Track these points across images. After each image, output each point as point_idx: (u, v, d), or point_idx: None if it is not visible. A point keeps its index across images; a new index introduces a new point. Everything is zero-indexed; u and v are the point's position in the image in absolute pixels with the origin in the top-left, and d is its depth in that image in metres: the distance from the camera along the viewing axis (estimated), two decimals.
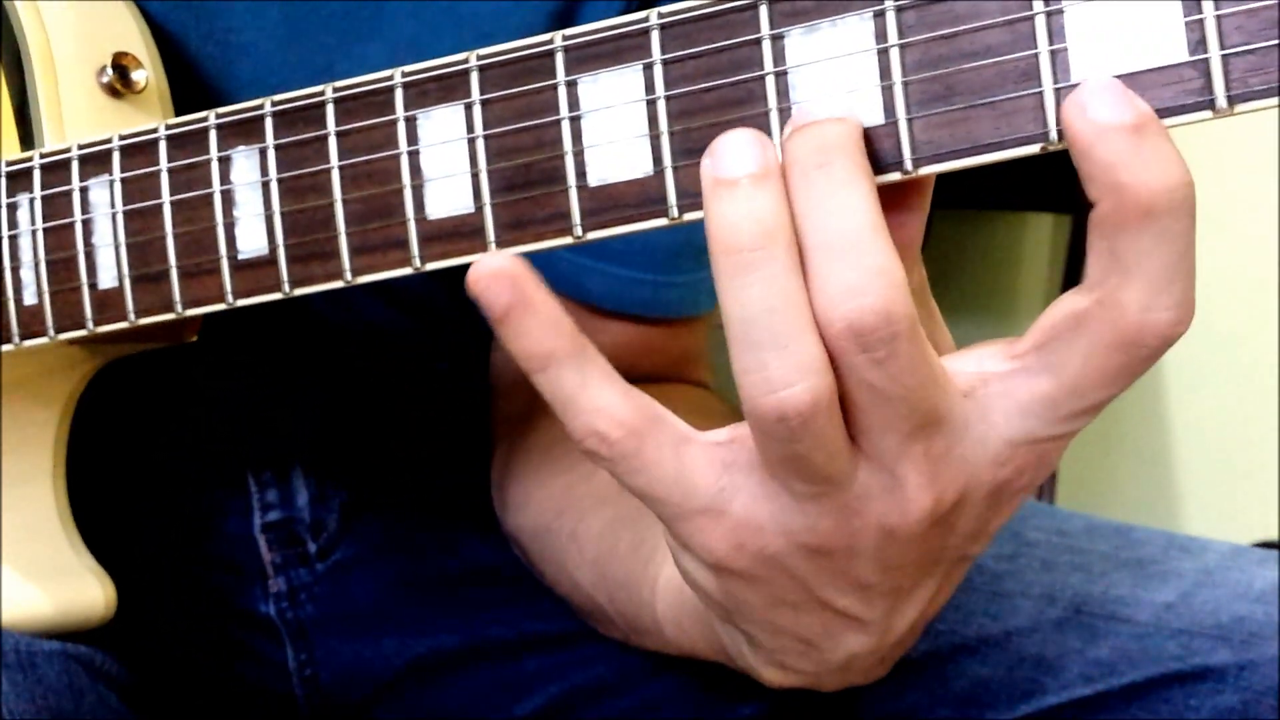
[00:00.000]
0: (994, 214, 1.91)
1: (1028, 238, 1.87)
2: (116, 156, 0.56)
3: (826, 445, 0.43)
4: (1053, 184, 1.60)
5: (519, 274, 0.43)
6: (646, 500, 0.47)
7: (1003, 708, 0.72)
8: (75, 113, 0.62)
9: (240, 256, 0.53)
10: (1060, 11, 0.40)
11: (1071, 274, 1.70)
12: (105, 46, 0.63)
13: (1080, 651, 0.71)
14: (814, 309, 0.42)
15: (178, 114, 0.64)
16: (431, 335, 0.81)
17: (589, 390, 0.45)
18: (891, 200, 0.44)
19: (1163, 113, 0.40)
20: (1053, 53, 0.40)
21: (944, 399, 0.43)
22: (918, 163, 0.42)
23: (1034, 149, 0.41)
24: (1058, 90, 0.40)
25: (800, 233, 0.42)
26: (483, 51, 0.48)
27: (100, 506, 0.70)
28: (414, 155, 0.49)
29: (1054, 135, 0.41)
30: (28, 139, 0.62)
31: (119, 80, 0.63)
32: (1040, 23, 0.41)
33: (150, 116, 0.64)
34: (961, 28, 0.41)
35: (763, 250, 0.42)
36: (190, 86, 0.68)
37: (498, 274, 0.43)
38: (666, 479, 0.46)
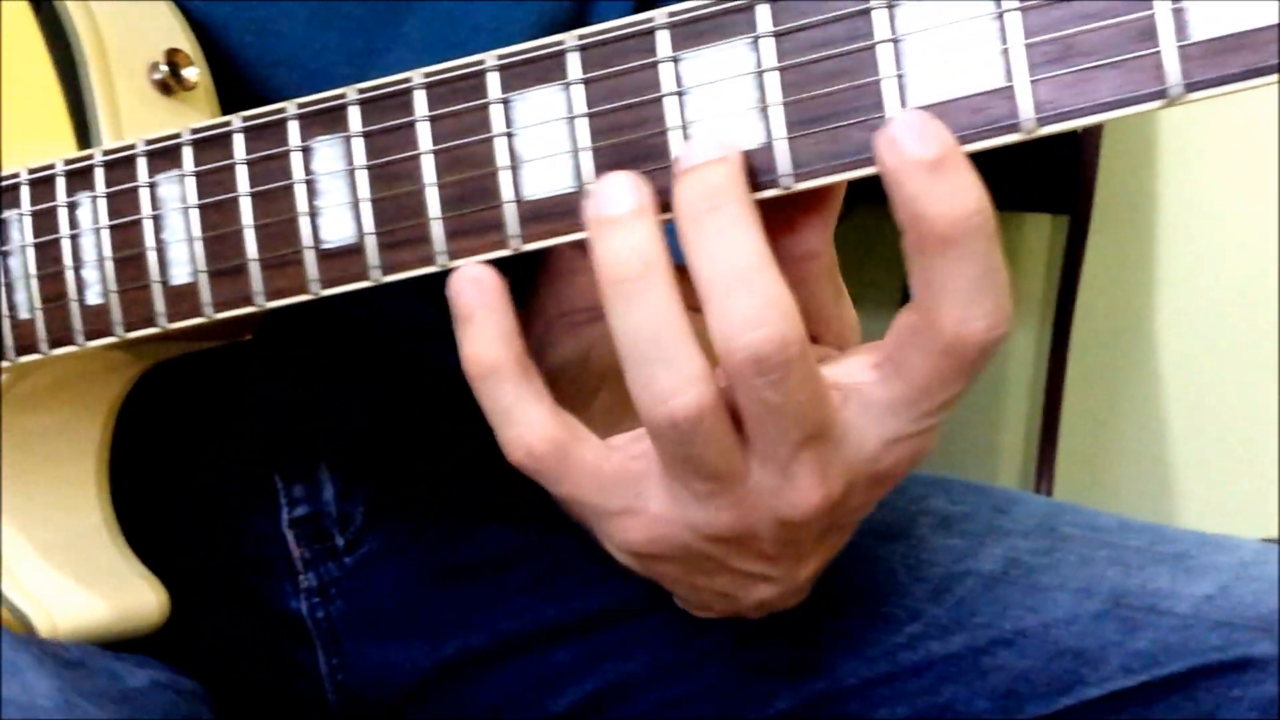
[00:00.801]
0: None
1: (1027, 238, 1.87)
2: (188, 151, 0.55)
3: (717, 444, 0.48)
4: (1052, 184, 1.61)
5: (493, 285, 0.49)
6: (571, 505, 0.53)
7: (1042, 700, 0.72)
8: (130, 110, 0.61)
9: (324, 246, 0.53)
10: None
11: (1069, 274, 1.71)
12: (156, 44, 0.63)
13: (1120, 644, 0.71)
14: (713, 338, 0.46)
15: (221, 109, 0.64)
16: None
17: (523, 405, 0.50)
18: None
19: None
20: (1174, 11, 0.41)
21: (827, 411, 0.48)
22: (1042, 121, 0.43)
23: (1157, 104, 0.42)
24: (1180, 48, 0.41)
25: (695, 270, 0.46)
26: (582, 31, 0.48)
27: (132, 511, 0.69)
28: (509, 138, 0.49)
29: (1177, 91, 0.41)
30: (83, 138, 0.61)
31: (171, 77, 0.62)
32: None
33: (199, 113, 0.64)
34: None
35: (644, 279, 0.46)
36: (227, 79, 0.67)
37: (477, 279, 0.49)
38: (589, 487, 0.51)
